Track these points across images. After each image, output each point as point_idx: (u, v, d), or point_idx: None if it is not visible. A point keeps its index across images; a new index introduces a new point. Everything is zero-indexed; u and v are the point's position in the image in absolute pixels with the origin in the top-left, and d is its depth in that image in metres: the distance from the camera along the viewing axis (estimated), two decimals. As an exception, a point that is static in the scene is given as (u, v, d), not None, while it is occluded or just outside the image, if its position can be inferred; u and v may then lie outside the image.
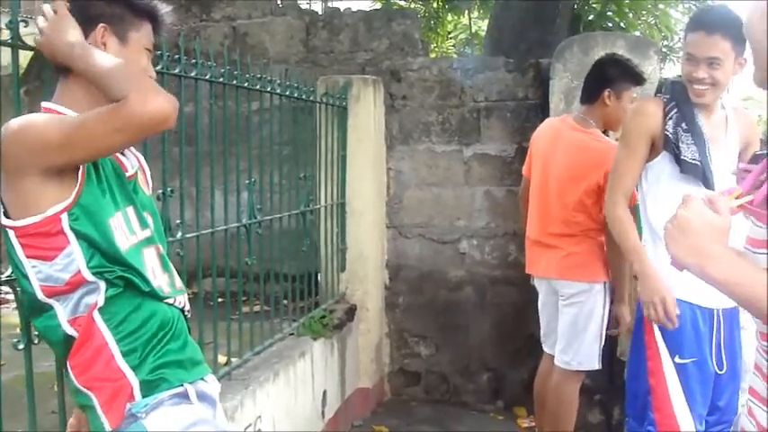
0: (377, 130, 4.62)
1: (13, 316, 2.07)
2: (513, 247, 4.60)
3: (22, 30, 1.82)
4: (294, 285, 3.85)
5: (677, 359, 2.56)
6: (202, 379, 1.71)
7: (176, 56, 2.61)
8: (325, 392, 3.88)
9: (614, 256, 3.28)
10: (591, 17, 8.04)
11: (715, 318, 2.59)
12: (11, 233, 1.52)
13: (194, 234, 2.79)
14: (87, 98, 1.59)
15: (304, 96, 3.84)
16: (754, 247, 1.32)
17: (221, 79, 2.95)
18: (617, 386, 4.03)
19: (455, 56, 10.69)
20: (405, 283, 4.81)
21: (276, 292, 3.65)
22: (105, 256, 1.54)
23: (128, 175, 1.67)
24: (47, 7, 1.59)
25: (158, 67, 2.39)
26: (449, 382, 4.79)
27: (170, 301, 1.67)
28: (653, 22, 8.54)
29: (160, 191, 2.45)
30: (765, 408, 1.31)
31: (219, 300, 3.06)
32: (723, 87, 2.57)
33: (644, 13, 8.45)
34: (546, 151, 3.47)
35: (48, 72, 1.91)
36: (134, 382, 1.55)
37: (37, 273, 1.53)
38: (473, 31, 10.66)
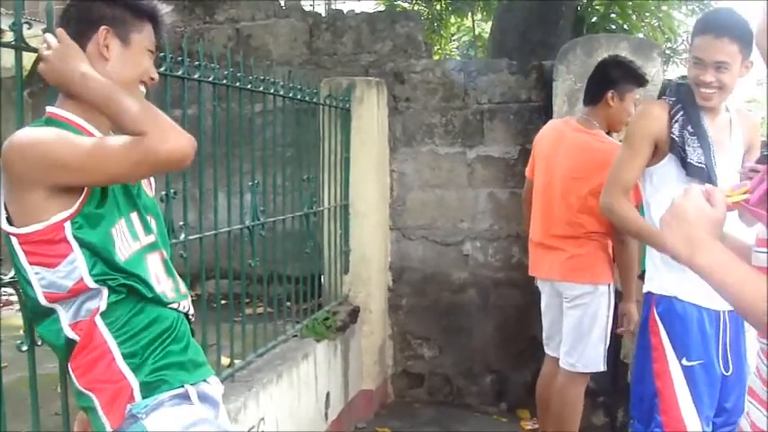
0: (380, 131, 4.62)
1: (16, 318, 2.08)
2: (516, 250, 4.60)
3: (26, 32, 1.82)
4: (297, 287, 3.85)
5: (684, 361, 2.55)
6: (205, 381, 1.71)
7: (180, 58, 2.61)
8: (328, 394, 3.88)
9: (622, 254, 3.29)
10: (594, 19, 8.04)
11: (721, 320, 2.58)
12: (14, 240, 1.52)
13: (197, 236, 2.79)
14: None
15: (307, 98, 3.84)
16: (758, 246, 1.32)
17: (225, 81, 2.95)
18: (621, 388, 4.03)
19: (458, 58, 10.70)
20: (408, 285, 4.80)
21: (279, 293, 3.65)
22: (108, 264, 1.54)
23: None
24: (49, 36, 1.58)
25: (162, 69, 2.40)
26: (452, 383, 4.79)
27: (174, 306, 1.67)
28: (656, 24, 8.54)
29: (163, 192, 2.45)
30: (765, 411, 1.30)
31: (223, 302, 3.05)
32: (730, 91, 2.56)
33: (647, 14, 8.44)
34: (549, 153, 3.46)
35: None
36: (134, 383, 1.56)
37: (40, 279, 1.53)
38: (476, 33, 10.66)
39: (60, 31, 1.58)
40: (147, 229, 1.66)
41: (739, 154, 2.70)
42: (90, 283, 1.53)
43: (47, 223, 1.50)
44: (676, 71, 9.23)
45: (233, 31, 5.98)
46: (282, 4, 5.97)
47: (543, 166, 3.49)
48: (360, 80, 4.58)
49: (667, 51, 9.05)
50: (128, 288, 1.56)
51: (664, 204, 2.71)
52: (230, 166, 3.02)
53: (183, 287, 1.74)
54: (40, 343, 1.81)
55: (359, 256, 4.50)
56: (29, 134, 1.50)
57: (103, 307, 1.54)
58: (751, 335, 2.20)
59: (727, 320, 2.59)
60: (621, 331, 3.44)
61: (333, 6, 10.05)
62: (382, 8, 9.62)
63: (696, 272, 1.27)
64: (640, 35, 7.78)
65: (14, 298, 1.88)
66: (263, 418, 3.01)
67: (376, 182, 4.58)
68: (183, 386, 1.62)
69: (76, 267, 1.52)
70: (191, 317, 1.75)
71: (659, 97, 3.47)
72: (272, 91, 3.41)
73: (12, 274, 1.68)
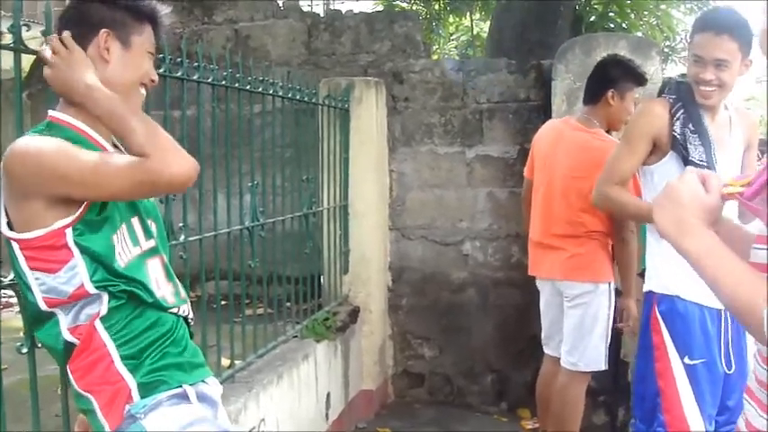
0: (379, 132, 4.61)
1: (16, 320, 2.08)
2: (515, 249, 4.59)
3: (24, 34, 1.82)
4: (297, 288, 3.85)
5: (687, 360, 2.55)
6: (203, 381, 1.70)
7: (179, 59, 2.61)
8: (328, 395, 3.88)
9: (622, 253, 3.32)
10: (593, 18, 8.05)
11: (722, 318, 2.59)
12: (14, 245, 1.52)
13: (197, 237, 2.79)
14: None
15: (306, 99, 3.83)
16: (758, 243, 1.31)
17: (224, 82, 2.94)
18: (621, 387, 4.03)
19: (457, 57, 10.70)
20: (408, 285, 4.80)
21: (279, 294, 3.65)
22: (108, 271, 1.54)
23: None
24: (55, 40, 1.57)
25: (161, 71, 2.39)
26: (452, 383, 4.78)
27: (174, 310, 1.67)
28: (655, 22, 8.55)
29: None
30: (764, 414, 1.30)
31: (223, 303, 3.05)
32: (729, 89, 2.56)
33: (646, 13, 8.45)
34: (548, 152, 3.47)
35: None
36: (132, 384, 1.55)
37: (40, 285, 1.53)
38: (475, 32, 10.67)
39: (67, 36, 1.57)
40: (148, 234, 1.66)
41: (739, 152, 2.70)
42: (90, 289, 1.53)
43: (48, 229, 1.49)
44: (675, 70, 9.24)
45: (231, 32, 5.98)
46: (281, 4, 5.97)
47: (543, 165, 3.49)
48: (358, 80, 4.58)
49: (666, 50, 9.05)
50: (128, 294, 1.56)
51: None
52: (229, 166, 3.02)
53: (183, 292, 1.74)
54: (40, 345, 1.81)
55: (358, 256, 4.50)
56: (31, 143, 1.49)
57: (104, 311, 1.54)
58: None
59: (729, 319, 2.59)
60: (621, 326, 3.45)
61: (331, 7, 10.05)
62: (381, 8, 9.63)
63: (683, 256, 1.27)
64: (639, 34, 7.79)
65: (14, 300, 1.88)
66: (263, 419, 3.01)
67: (375, 182, 4.58)
68: (181, 386, 1.62)
69: (77, 273, 1.52)
70: (190, 321, 1.75)
71: (658, 96, 3.47)
72: (270, 92, 3.41)
73: (12, 276, 1.68)
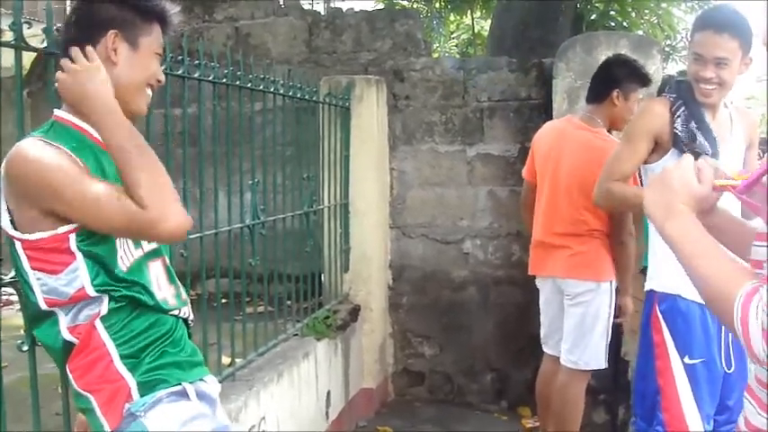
0: (380, 130, 4.61)
1: (16, 317, 2.07)
2: (516, 247, 4.59)
3: (25, 31, 1.82)
4: (298, 286, 3.85)
5: (687, 359, 2.56)
6: (202, 380, 1.71)
7: (179, 57, 2.61)
8: (329, 393, 3.88)
9: (621, 255, 3.34)
10: (593, 16, 8.05)
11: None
12: (17, 244, 1.52)
13: (198, 235, 2.79)
14: None
15: (307, 97, 3.83)
16: (758, 240, 1.32)
17: (224, 80, 2.94)
18: (622, 386, 4.03)
19: (458, 56, 10.69)
20: (408, 284, 4.80)
21: (280, 292, 3.65)
22: (110, 275, 1.54)
23: None
24: (76, 50, 1.55)
25: (162, 68, 2.39)
26: (453, 382, 4.78)
27: (175, 312, 1.67)
28: (655, 21, 8.55)
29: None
30: (764, 413, 1.30)
31: (223, 301, 3.05)
32: (729, 87, 2.57)
33: (646, 12, 8.46)
34: (551, 152, 3.47)
35: (51, 74, 1.91)
36: (132, 382, 1.55)
37: (41, 285, 1.53)
38: (476, 31, 10.66)
39: (91, 50, 1.56)
40: None
41: (741, 150, 2.71)
42: (91, 292, 1.53)
43: (52, 233, 1.49)
44: (676, 68, 9.24)
45: (232, 30, 5.97)
46: (281, 2, 5.96)
47: (544, 165, 3.49)
48: (359, 78, 4.58)
49: (667, 48, 9.05)
50: (129, 298, 1.56)
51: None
52: (230, 164, 3.02)
53: (184, 293, 1.74)
54: (40, 343, 1.81)
55: (359, 254, 4.50)
56: (34, 153, 1.47)
57: (104, 312, 1.54)
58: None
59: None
60: (617, 321, 3.47)
61: (332, 5, 10.04)
62: (381, 6, 9.63)
63: (664, 239, 1.30)
64: (640, 32, 7.79)
65: (15, 298, 1.88)
66: (263, 417, 3.01)
67: (376, 180, 4.58)
68: (180, 384, 1.62)
69: (78, 276, 1.52)
70: (190, 322, 1.75)
71: (658, 94, 3.48)
72: (271, 90, 3.40)
73: (12, 273, 1.68)
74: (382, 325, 4.71)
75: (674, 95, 2.64)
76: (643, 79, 3.38)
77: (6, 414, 1.81)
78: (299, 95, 3.72)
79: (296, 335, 3.73)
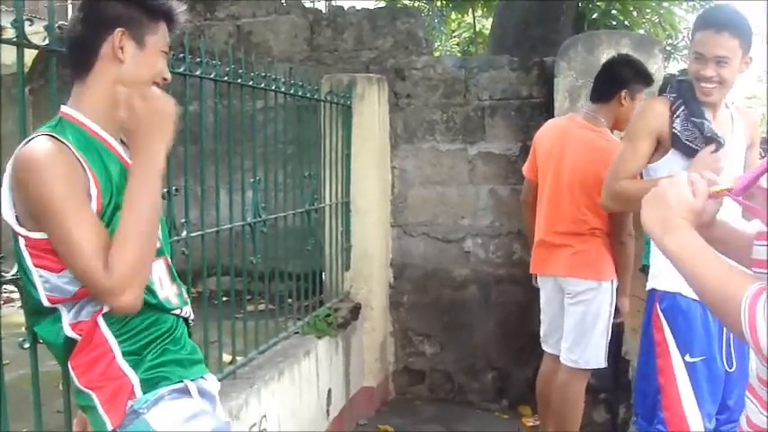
0: (381, 128, 4.61)
1: (17, 315, 2.07)
2: (517, 246, 4.59)
3: (27, 28, 1.81)
4: (299, 284, 3.85)
5: (687, 358, 2.56)
6: (202, 377, 1.72)
7: (181, 54, 2.61)
8: (329, 391, 3.88)
9: (621, 256, 3.35)
10: (595, 15, 8.04)
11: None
12: (21, 240, 1.52)
13: (199, 233, 2.79)
14: (106, 103, 1.58)
15: (308, 95, 3.83)
16: (758, 239, 1.32)
17: (226, 78, 2.94)
18: (622, 385, 4.04)
19: (459, 54, 10.69)
20: (409, 282, 4.80)
21: (281, 290, 3.65)
22: None
23: None
24: (152, 89, 1.57)
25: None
26: (453, 380, 4.79)
27: (176, 312, 1.67)
28: (657, 20, 8.54)
29: (165, 190, 2.44)
30: (765, 411, 1.30)
31: (224, 298, 3.05)
32: (730, 86, 2.57)
33: (648, 11, 8.45)
34: (553, 150, 3.46)
35: (52, 71, 1.91)
36: (134, 380, 1.55)
37: (44, 282, 1.52)
38: (477, 29, 10.66)
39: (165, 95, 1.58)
40: None
41: (742, 150, 2.71)
42: None
43: None
44: (677, 68, 9.23)
45: (234, 28, 5.98)
46: (283, 0, 5.96)
47: (546, 163, 3.49)
48: (361, 77, 4.58)
49: (668, 48, 9.05)
50: None
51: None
52: (232, 163, 3.02)
53: (185, 293, 1.75)
54: (41, 340, 1.81)
55: (360, 252, 4.50)
56: (42, 165, 1.45)
57: (106, 308, 1.54)
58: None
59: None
60: (616, 321, 3.48)
61: (333, 3, 10.04)
62: (383, 4, 9.63)
63: (664, 253, 1.32)
64: (641, 31, 7.79)
65: (16, 295, 1.88)
66: (264, 416, 3.01)
67: (377, 178, 4.58)
68: (182, 381, 1.62)
69: None
70: (190, 322, 1.75)
71: (660, 93, 3.47)
72: (273, 88, 3.40)
73: (14, 271, 1.68)
74: (383, 323, 4.71)
75: (674, 95, 2.64)
76: (648, 79, 3.38)
77: (7, 412, 1.81)
78: (300, 93, 3.72)
79: (297, 333, 3.74)
